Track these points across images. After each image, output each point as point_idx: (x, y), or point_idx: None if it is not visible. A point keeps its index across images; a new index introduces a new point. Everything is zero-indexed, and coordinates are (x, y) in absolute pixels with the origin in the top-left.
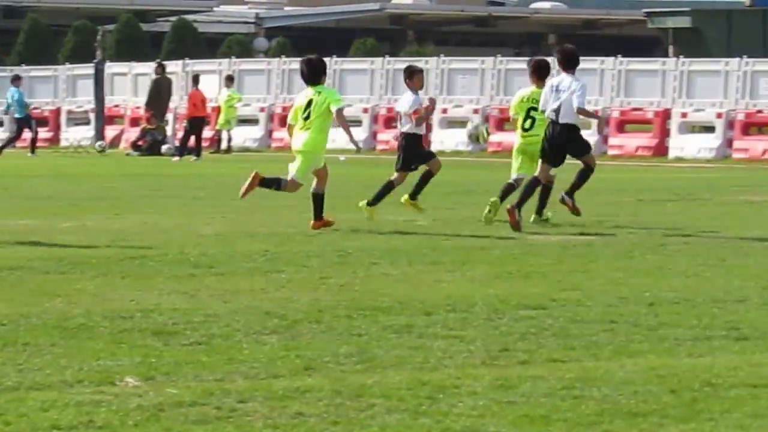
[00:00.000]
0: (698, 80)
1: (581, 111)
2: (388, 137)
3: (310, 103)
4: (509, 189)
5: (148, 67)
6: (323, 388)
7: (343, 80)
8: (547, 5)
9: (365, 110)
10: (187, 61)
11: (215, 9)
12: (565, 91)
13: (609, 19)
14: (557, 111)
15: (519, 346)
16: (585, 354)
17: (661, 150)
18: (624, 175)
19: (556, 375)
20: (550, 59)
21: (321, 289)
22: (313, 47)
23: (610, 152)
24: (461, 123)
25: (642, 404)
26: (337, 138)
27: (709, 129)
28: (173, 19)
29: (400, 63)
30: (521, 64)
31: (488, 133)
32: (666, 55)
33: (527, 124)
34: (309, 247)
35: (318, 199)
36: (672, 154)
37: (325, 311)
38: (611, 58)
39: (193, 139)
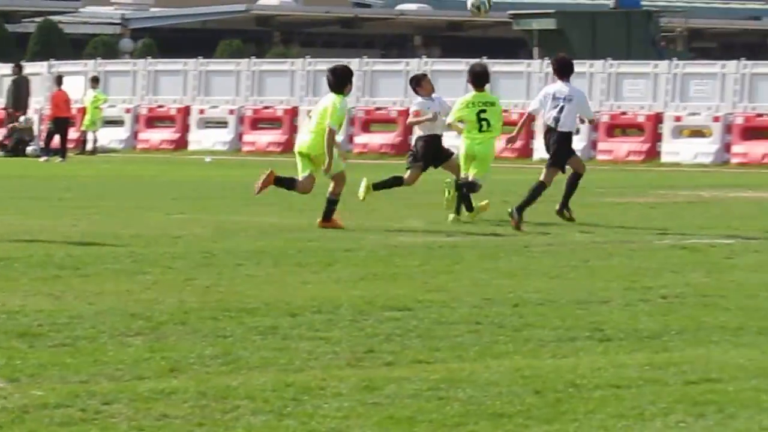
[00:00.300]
0: None
1: (594, 122)
2: (254, 138)
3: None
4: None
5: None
6: (188, 389)
7: (209, 81)
8: (413, 7)
9: (231, 111)
10: (53, 62)
11: (81, 10)
12: (562, 100)
13: (474, 21)
14: (557, 119)
15: (384, 348)
16: (450, 355)
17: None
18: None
19: (421, 376)
20: (482, 66)
21: (186, 290)
22: (179, 48)
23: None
24: None
25: (507, 405)
26: (203, 140)
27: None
28: (39, 19)
29: (267, 64)
30: (388, 65)
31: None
32: (531, 57)
33: (483, 126)
34: (174, 249)
35: (330, 204)
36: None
37: (191, 313)
38: (476, 60)
39: (57, 139)
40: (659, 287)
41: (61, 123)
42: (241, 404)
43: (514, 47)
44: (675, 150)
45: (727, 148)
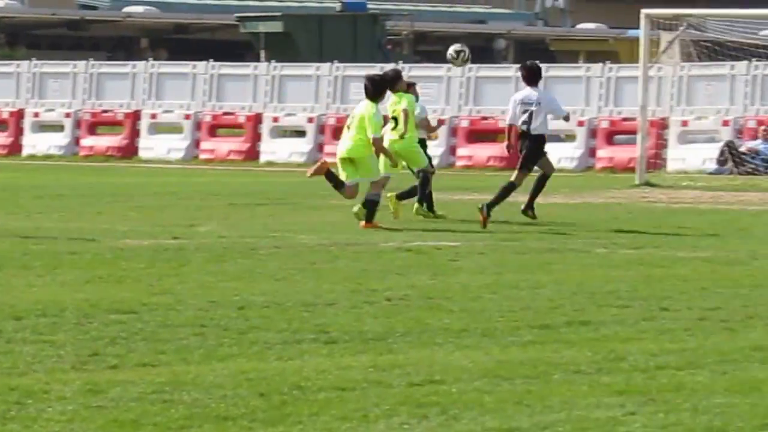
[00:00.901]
0: (290, 85)
1: (568, 118)
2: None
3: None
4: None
5: None
6: None
7: None
8: (140, 9)
9: None
10: None
11: None
12: (532, 104)
13: (201, 24)
14: (528, 123)
15: (109, 351)
16: (175, 358)
17: (252, 154)
18: (216, 179)
19: (146, 379)
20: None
21: None
22: None
23: (202, 156)
24: (53, 127)
25: (231, 408)
26: None
27: (301, 133)
28: None
29: None
30: (113, 67)
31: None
32: (258, 60)
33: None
34: None
35: (372, 205)
36: (263, 158)
37: None
38: (203, 63)
39: None
40: (384, 289)
41: None
42: None
43: (241, 50)
44: None
45: (452, 150)
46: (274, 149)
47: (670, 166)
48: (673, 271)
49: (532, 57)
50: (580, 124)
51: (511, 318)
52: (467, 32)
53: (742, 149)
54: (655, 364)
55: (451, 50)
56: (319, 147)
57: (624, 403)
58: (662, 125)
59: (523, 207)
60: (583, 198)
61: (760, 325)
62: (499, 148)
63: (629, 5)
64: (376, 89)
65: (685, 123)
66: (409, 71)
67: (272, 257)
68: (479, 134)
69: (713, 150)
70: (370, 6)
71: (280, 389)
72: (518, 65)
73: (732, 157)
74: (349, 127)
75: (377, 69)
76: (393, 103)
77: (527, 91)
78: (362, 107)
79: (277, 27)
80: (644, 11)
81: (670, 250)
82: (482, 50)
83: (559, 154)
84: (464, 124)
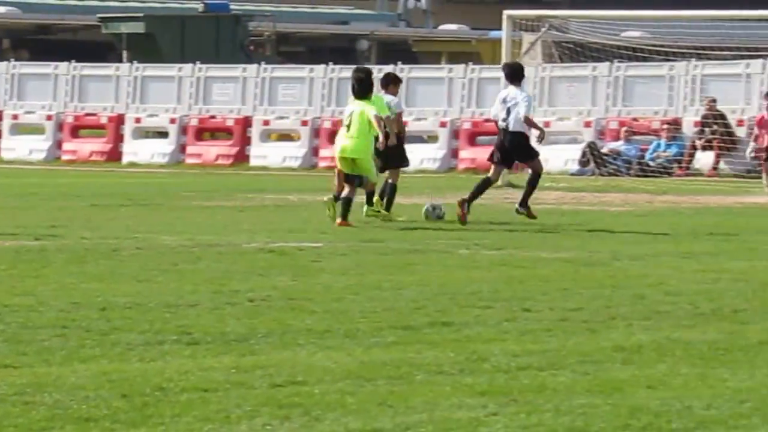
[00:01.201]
0: (152, 85)
1: (527, 120)
2: None
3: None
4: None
5: None
6: None
7: None
8: (1, 10)
9: None
10: None
11: None
12: (511, 102)
13: (63, 24)
14: (506, 120)
15: None
16: (37, 360)
17: (114, 155)
18: (78, 180)
19: (7, 381)
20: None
21: None
22: None
23: (65, 157)
24: None
25: (93, 409)
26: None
27: (163, 134)
28: None
29: None
30: None
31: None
32: (121, 61)
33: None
34: None
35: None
36: (125, 159)
37: None
38: (65, 63)
39: None
40: (246, 290)
41: None
42: None
43: (103, 51)
44: (263, 153)
45: (315, 152)
46: (136, 150)
47: None
48: (535, 272)
49: (394, 58)
50: (443, 125)
51: (373, 319)
52: (330, 33)
53: (604, 150)
54: (517, 365)
55: (428, 205)
56: (182, 148)
57: (486, 404)
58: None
59: (516, 207)
60: (446, 199)
61: (622, 326)
62: None
63: (491, 6)
64: (362, 88)
65: (547, 124)
66: (272, 72)
67: (134, 258)
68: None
69: (575, 151)
70: (232, 7)
71: (142, 390)
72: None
73: (594, 158)
74: (349, 127)
75: (239, 70)
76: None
77: (509, 89)
78: (357, 105)
79: (139, 28)
80: (506, 12)
81: (533, 251)
82: (345, 51)
83: (421, 155)
84: (326, 125)
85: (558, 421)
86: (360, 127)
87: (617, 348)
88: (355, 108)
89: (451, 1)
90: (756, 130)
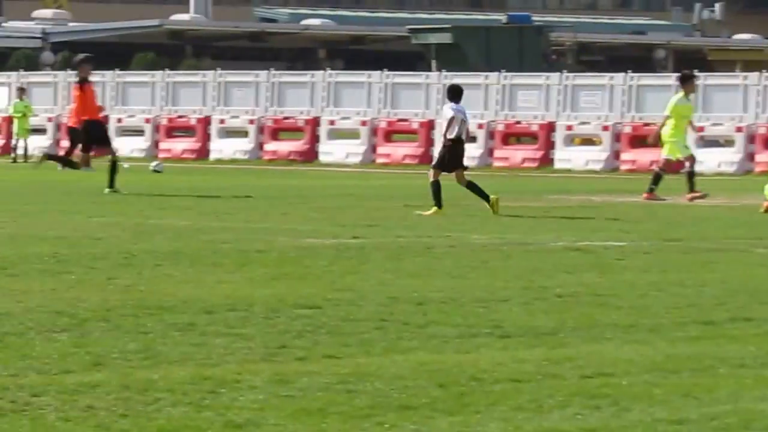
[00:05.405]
0: None
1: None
2: (170, 146)
3: None
4: None
5: None
6: (111, 382)
7: (126, 92)
8: (317, 22)
9: (147, 120)
10: None
11: (3, 24)
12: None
13: (375, 35)
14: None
15: (296, 343)
16: (358, 351)
17: (425, 158)
18: (391, 182)
19: (331, 370)
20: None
21: (108, 289)
22: (96, 61)
23: (379, 160)
24: (238, 133)
25: (412, 398)
26: (121, 147)
27: (473, 139)
28: None
29: (180, 76)
30: (293, 77)
31: None
32: (429, 70)
33: None
34: (96, 250)
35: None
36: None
37: (113, 310)
38: (378, 72)
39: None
40: (555, 286)
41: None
42: (162, 396)
43: (413, 60)
44: (567, 157)
45: (616, 155)
46: None
47: None
48: None
49: (690, 66)
50: (739, 129)
51: (676, 314)
52: (627, 43)
53: None
54: None
55: None
56: (489, 152)
57: None
58: None
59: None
60: (744, 201)
61: None
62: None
63: None
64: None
65: None
66: (574, 80)
67: (447, 255)
68: (641, 139)
69: None
70: (534, 18)
71: (458, 380)
72: (676, 74)
73: None
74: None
75: (542, 78)
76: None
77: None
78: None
79: (446, 38)
80: None
81: None
82: (643, 60)
83: (718, 158)
84: (627, 130)
85: None
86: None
87: None
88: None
89: (745, 11)
90: None
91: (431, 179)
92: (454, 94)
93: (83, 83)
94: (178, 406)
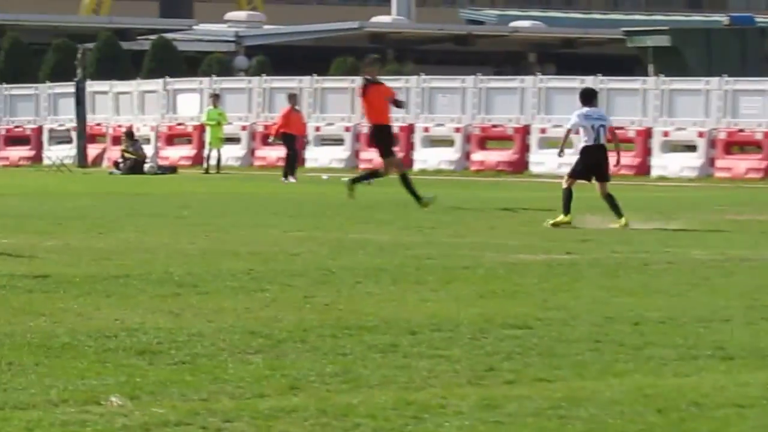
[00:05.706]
0: (679, 99)
1: None
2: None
3: None
4: None
5: (129, 86)
6: (309, 407)
7: (324, 98)
8: (526, 24)
9: (347, 129)
10: (168, 79)
11: (195, 28)
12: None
13: (588, 38)
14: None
15: (504, 366)
16: (571, 374)
17: (643, 169)
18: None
19: (542, 395)
20: None
21: (306, 308)
22: (292, 66)
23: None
24: (442, 142)
25: (629, 424)
26: (320, 157)
27: (692, 148)
28: (153, 37)
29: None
30: (502, 82)
31: None
32: (646, 74)
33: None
34: (293, 266)
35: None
36: (654, 172)
37: (310, 330)
38: (590, 77)
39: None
40: None
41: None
42: (362, 422)
43: (628, 64)
44: None
45: (711, 162)
46: (665, 163)
47: None
48: None
49: None
50: None
51: None
52: None
53: None
54: None
55: None
56: (710, 162)
57: None
58: None
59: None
60: None
61: None
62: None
63: None
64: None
65: None
66: None
67: (666, 272)
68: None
69: None
70: (757, 20)
71: (677, 405)
72: None
73: None
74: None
75: (766, 83)
76: None
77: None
78: None
79: (664, 41)
80: None
81: None
82: None
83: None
84: None
85: None
86: None
87: None
88: None
89: None
90: None
91: (563, 186)
92: (587, 97)
93: (369, 84)
94: None
